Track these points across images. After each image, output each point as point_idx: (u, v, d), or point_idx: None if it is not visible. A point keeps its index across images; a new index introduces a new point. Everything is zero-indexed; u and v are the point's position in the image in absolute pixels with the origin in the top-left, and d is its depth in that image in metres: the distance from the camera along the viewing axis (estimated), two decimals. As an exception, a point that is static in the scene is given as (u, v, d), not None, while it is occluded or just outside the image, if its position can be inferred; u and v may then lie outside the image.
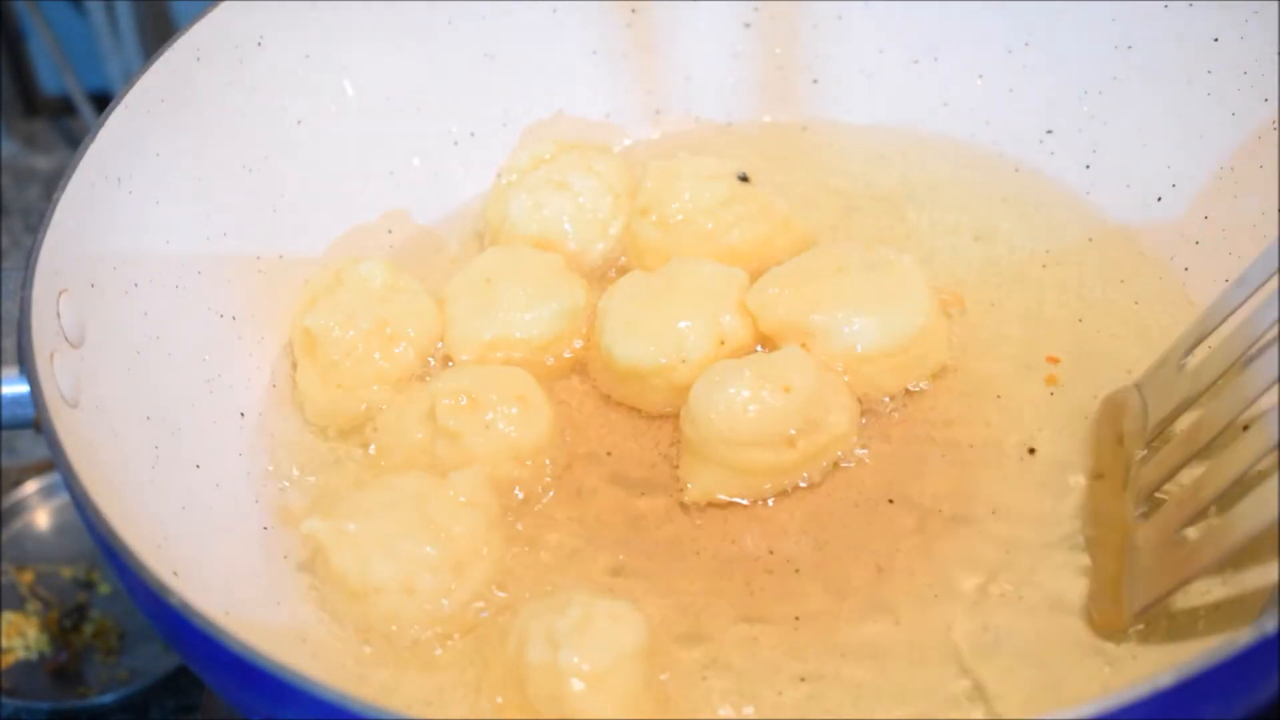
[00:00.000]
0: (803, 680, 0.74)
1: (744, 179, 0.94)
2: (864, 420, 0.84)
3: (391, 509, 0.77)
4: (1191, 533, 0.72)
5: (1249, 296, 0.75)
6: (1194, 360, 0.78)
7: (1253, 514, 0.68)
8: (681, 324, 0.85)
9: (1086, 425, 0.83)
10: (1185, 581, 0.71)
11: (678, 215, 0.92)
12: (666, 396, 0.85)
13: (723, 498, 0.81)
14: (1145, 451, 0.78)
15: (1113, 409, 0.81)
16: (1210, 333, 0.78)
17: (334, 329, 0.87)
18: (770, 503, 0.82)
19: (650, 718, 0.72)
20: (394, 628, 0.76)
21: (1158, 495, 0.76)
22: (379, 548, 0.76)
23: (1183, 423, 0.77)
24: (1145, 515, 0.76)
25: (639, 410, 0.87)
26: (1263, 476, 0.71)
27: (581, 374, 0.90)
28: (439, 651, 0.76)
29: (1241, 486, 0.70)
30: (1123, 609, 0.73)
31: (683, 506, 0.82)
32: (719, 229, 0.91)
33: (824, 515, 0.81)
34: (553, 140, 0.99)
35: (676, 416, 0.84)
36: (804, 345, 0.84)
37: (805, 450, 0.81)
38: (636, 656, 0.71)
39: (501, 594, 0.78)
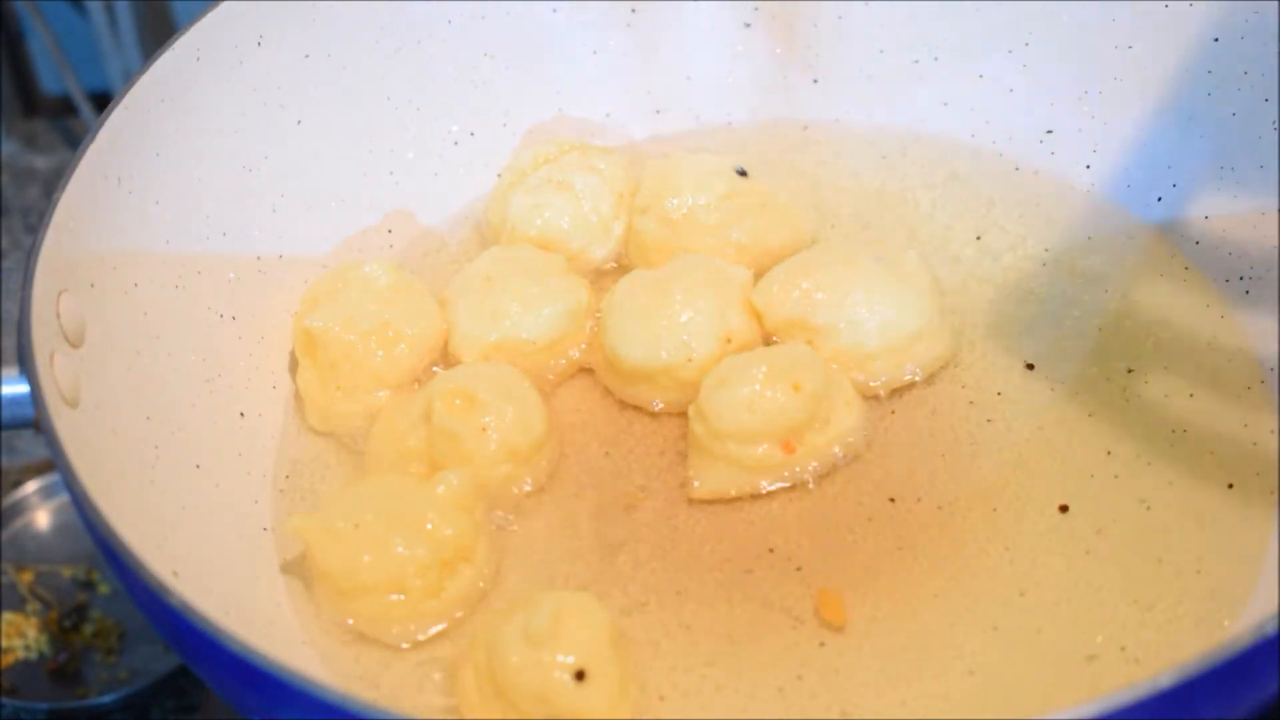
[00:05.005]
0: (800, 679, 0.74)
1: (742, 173, 0.94)
2: (867, 416, 0.84)
3: (377, 508, 0.77)
4: None
5: None
6: None
7: None
8: (686, 322, 0.85)
9: (1085, 421, 0.83)
10: None
11: (678, 212, 0.92)
12: (672, 395, 0.85)
13: (732, 492, 0.82)
14: None
15: None
16: None
17: (335, 330, 0.87)
18: (772, 501, 0.82)
19: (641, 710, 0.72)
20: (382, 628, 0.76)
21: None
22: (366, 547, 0.76)
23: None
24: None
25: (643, 409, 0.87)
26: None
27: (585, 374, 0.90)
28: (434, 651, 0.76)
29: None
30: None
31: (681, 505, 0.82)
32: (720, 223, 0.91)
33: (825, 513, 0.81)
34: (555, 140, 0.99)
35: (680, 415, 0.85)
36: (809, 342, 0.84)
37: (812, 447, 0.81)
38: (612, 645, 0.71)
39: (493, 594, 0.78)
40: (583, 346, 0.89)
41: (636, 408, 0.87)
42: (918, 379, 0.86)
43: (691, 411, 0.82)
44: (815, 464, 0.82)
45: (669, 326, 0.85)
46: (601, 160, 0.96)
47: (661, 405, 0.86)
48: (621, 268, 0.95)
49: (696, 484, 0.82)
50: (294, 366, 0.90)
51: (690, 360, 0.84)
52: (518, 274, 0.89)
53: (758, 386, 0.80)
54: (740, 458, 0.80)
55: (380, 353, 0.87)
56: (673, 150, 0.97)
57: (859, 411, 0.83)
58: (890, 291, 0.84)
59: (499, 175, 1.00)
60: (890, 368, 0.85)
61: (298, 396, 0.89)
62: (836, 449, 0.82)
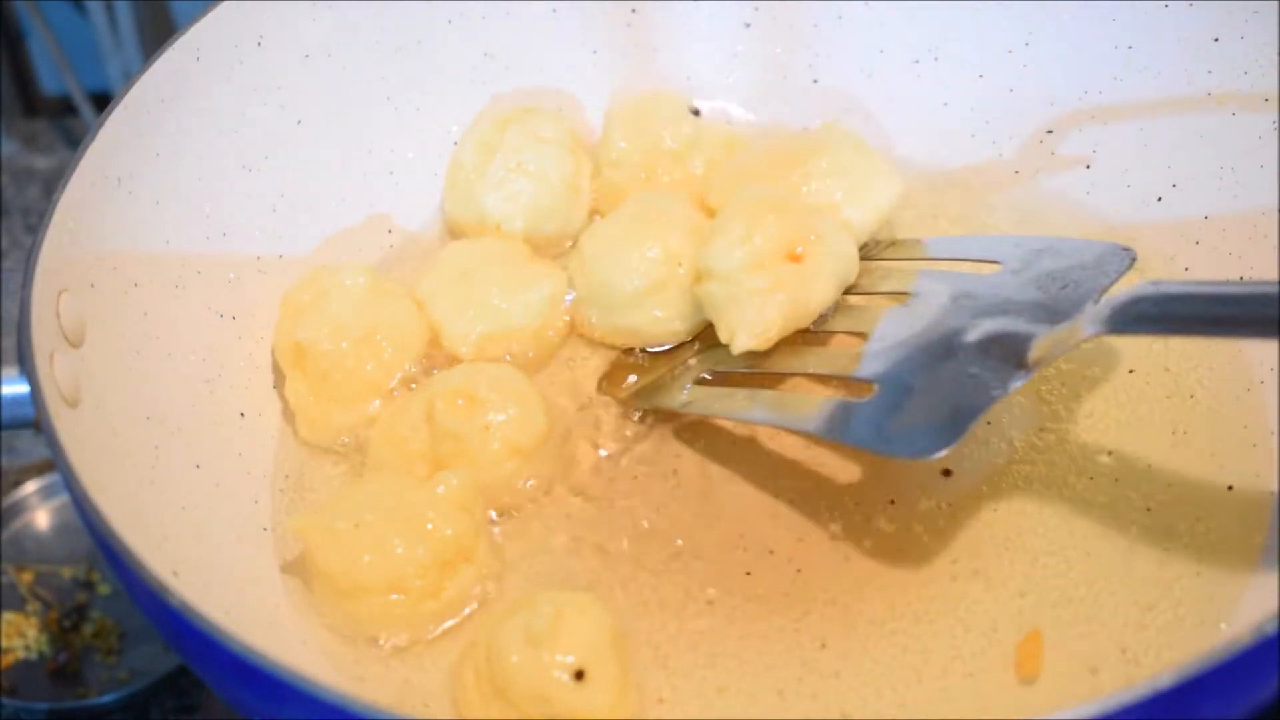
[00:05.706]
0: (801, 680, 0.74)
1: (695, 112, 0.98)
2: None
3: (377, 508, 0.77)
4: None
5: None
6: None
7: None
8: (663, 231, 0.88)
9: (1086, 422, 0.83)
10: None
11: (638, 154, 0.96)
12: (677, 308, 0.88)
13: (777, 326, 0.83)
14: None
15: None
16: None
17: (324, 342, 0.86)
18: (775, 501, 0.82)
19: (641, 710, 0.72)
20: (383, 628, 0.76)
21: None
22: (366, 547, 0.76)
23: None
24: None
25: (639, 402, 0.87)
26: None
27: (578, 368, 0.90)
28: (434, 651, 0.76)
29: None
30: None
31: (682, 504, 0.82)
32: (679, 160, 0.95)
33: (825, 513, 0.81)
34: (489, 120, 0.98)
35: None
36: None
37: (813, 260, 0.84)
38: (612, 646, 0.71)
39: (493, 594, 0.79)
40: (566, 318, 0.91)
41: (634, 404, 0.87)
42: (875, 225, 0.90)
43: (701, 270, 0.84)
44: (817, 285, 0.84)
45: (647, 236, 0.87)
46: (544, 126, 0.97)
47: (674, 323, 0.88)
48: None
49: (740, 340, 0.83)
50: (281, 378, 0.89)
51: (681, 267, 0.87)
52: (491, 265, 0.90)
53: (750, 219, 0.82)
54: (761, 287, 0.82)
55: (370, 361, 0.86)
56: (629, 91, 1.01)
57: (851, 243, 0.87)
58: (838, 155, 0.90)
59: (455, 169, 0.99)
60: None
61: (287, 410, 0.88)
62: (836, 270, 0.85)
